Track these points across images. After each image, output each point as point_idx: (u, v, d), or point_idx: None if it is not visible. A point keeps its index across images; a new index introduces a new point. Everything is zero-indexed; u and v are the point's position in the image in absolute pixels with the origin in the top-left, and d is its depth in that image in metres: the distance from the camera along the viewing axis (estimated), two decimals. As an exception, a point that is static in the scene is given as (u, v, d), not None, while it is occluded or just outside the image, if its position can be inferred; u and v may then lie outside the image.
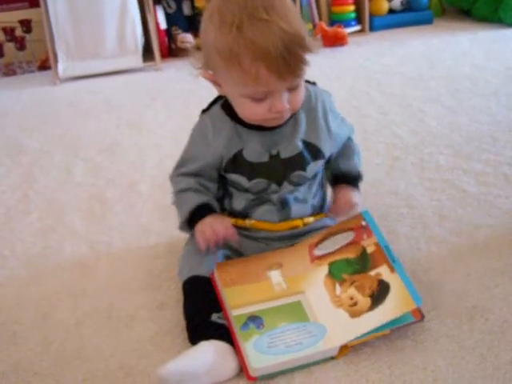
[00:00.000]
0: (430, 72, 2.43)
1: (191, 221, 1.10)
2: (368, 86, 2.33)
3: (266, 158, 1.08)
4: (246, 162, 1.08)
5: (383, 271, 1.00)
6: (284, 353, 0.91)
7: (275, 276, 1.02)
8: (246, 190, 1.11)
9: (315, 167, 1.11)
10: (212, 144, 1.09)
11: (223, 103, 1.10)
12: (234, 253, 1.12)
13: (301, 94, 1.03)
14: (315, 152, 1.10)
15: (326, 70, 2.64)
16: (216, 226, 1.06)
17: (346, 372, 0.91)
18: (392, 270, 1.00)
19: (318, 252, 1.06)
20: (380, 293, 0.98)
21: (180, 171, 1.15)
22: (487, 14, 3.11)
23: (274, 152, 1.08)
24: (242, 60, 0.93)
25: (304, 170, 1.10)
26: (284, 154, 1.08)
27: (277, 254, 1.08)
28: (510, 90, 2.11)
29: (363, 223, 1.07)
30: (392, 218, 1.33)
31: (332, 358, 0.94)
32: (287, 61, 0.93)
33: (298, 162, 1.09)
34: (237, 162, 1.09)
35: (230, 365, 0.92)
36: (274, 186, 1.10)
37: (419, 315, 0.96)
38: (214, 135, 1.09)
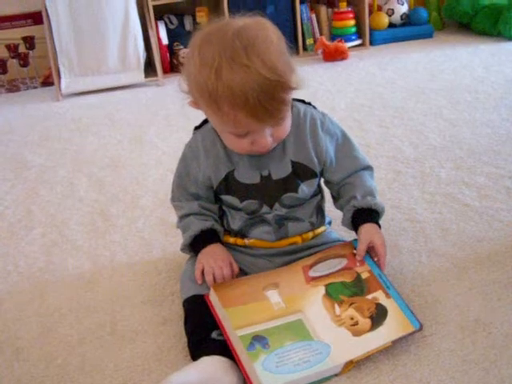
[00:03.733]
0: (430, 85, 2.45)
1: (193, 244, 1.13)
2: (369, 100, 2.35)
3: (257, 180, 1.09)
4: (238, 183, 1.09)
5: (379, 296, 1.02)
6: (293, 371, 0.90)
7: (273, 296, 1.02)
8: (240, 210, 1.12)
9: (307, 188, 1.10)
10: (202, 164, 1.11)
11: None
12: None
13: (285, 127, 1.02)
14: (305, 172, 1.10)
15: (327, 84, 2.66)
16: (217, 269, 1.06)
17: (349, 387, 0.92)
18: (387, 295, 1.01)
19: (313, 274, 1.06)
20: (379, 315, 0.99)
21: (180, 194, 1.17)
22: (487, 27, 3.13)
23: (265, 173, 1.08)
24: (220, 105, 0.92)
25: (295, 191, 1.09)
26: (275, 176, 1.08)
27: (272, 275, 1.07)
28: (511, 102, 2.12)
29: (354, 251, 1.09)
30: (394, 231, 1.33)
31: (335, 375, 0.94)
32: (266, 107, 0.92)
33: (289, 183, 1.09)
34: (229, 183, 1.10)
35: (231, 379, 0.92)
36: (265, 208, 1.10)
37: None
38: (204, 156, 1.10)
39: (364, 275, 1.05)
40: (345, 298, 1.02)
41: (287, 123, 1.02)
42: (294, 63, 0.98)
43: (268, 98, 0.91)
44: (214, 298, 1.01)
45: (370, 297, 1.02)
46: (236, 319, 0.97)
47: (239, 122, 0.94)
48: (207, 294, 1.02)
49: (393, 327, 0.97)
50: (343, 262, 1.08)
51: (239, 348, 0.93)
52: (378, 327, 0.97)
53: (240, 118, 0.93)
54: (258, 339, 0.94)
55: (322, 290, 1.03)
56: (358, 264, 1.07)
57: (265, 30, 0.96)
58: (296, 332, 0.96)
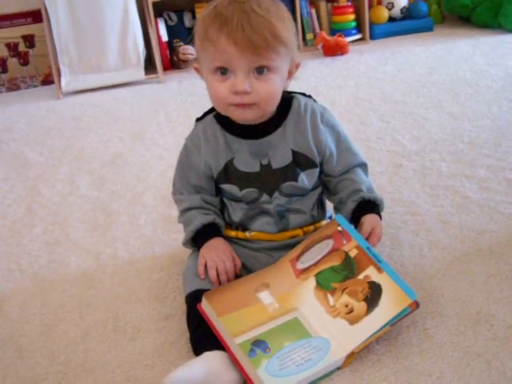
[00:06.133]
0: (431, 79, 2.44)
1: (195, 238, 1.13)
2: (370, 94, 2.34)
3: (257, 168, 1.09)
4: (238, 172, 1.10)
5: (371, 273, 1.00)
6: (297, 372, 0.90)
7: (265, 297, 1.01)
8: (240, 200, 1.12)
9: (307, 178, 1.11)
10: (203, 152, 1.12)
11: (217, 113, 1.11)
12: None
13: (269, 85, 1.01)
14: (305, 161, 1.10)
15: (328, 78, 2.66)
16: (219, 263, 1.07)
17: (352, 380, 0.92)
18: (379, 270, 0.99)
19: (301, 266, 1.05)
20: (373, 295, 0.97)
21: (182, 187, 1.17)
22: (487, 20, 3.12)
23: (265, 162, 1.09)
24: (208, 31, 0.99)
25: (295, 180, 1.10)
26: (275, 165, 1.09)
27: (261, 275, 1.06)
28: (511, 95, 2.12)
29: (339, 228, 1.07)
30: (395, 225, 1.33)
31: (338, 368, 0.94)
32: (248, 35, 0.96)
33: (289, 172, 1.09)
34: (229, 172, 1.11)
35: (233, 375, 0.92)
36: (265, 196, 1.10)
37: (414, 305, 0.96)
38: (204, 145, 1.12)
39: (352, 253, 1.03)
40: (336, 284, 1.01)
41: (270, 84, 1.01)
42: (296, 43, 1.05)
43: (252, 28, 0.96)
44: (207, 308, 0.99)
45: (361, 276, 1.00)
46: (232, 327, 0.95)
47: (219, 44, 0.98)
48: (199, 304, 1.01)
49: (389, 304, 0.95)
50: (330, 244, 1.06)
51: (240, 355, 0.92)
52: (374, 308, 0.96)
53: (221, 39, 0.97)
54: (258, 344, 0.93)
55: (312, 281, 1.02)
56: (344, 242, 1.04)
57: (279, 5, 1.03)
58: (294, 331, 0.96)
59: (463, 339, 0.97)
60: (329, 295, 1.00)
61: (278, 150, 1.09)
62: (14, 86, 3.21)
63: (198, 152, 1.13)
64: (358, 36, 3.25)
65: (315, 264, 1.04)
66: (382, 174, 1.60)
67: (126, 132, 2.27)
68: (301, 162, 1.10)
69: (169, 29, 3.18)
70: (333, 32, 3.25)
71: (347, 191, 1.13)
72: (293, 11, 3.21)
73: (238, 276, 1.10)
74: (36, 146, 2.23)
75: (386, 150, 1.76)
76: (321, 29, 3.31)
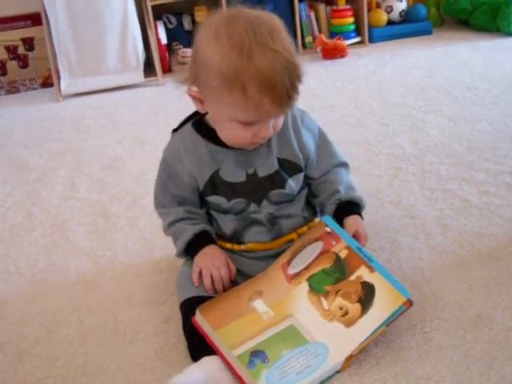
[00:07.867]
0: (430, 82, 2.45)
1: (188, 249, 1.11)
2: (369, 97, 2.34)
3: (243, 178, 1.08)
4: (224, 182, 1.08)
5: (363, 273, 0.99)
6: (297, 380, 0.90)
7: (259, 305, 1.00)
8: (228, 212, 1.11)
9: (294, 183, 1.10)
10: (186, 165, 1.09)
11: (194, 122, 1.10)
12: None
13: (282, 118, 1.04)
14: (291, 167, 1.10)
15: (327, 81, 2.66)
16: (214, 270, 1.06)
17: (351, 384, 0.92)
18: (371, 269, 0.99)
19: (292, 271, 1.04)
20: (367, 295, 0.97)
21: (165, 199, 1.15)
22: (486, 23, 3.12)
23: (251, 171, 1.08)
24: (246, 88, 0.92)
25: (283, 187, 1.09)
26: (261, 173, 1.08)
27: (253, 283, 1.05)
28: (510, 98, 2.12)
29: (327, 229, 1.06)
30: (394, 228, 1.33)
31: (337, 372, 0.94)
32: (289, 93, 0.94)
33: (276, 180, 1.09)
34: (215, 183, 1.09)
35: (232, 379, 0.92)
36: (253, 206, 1.09)
37: (408, 303, 0.96)
38: (187, 157, 1.09)
39: (343, 254, 1.02)
40: (329, 287, 1.00)
41: (283, 116, 1.04)
42: None
43: (290, 84, 0.94)
44: (201, 322, 0.98)
45: (353, 277, 0.99)
46: (229, 339, 0.95)
47: (262, 107, 0.94)
48: (193, 317, 1.00)
49: (383, 304, 0.95)
50: (319, 246, 1.05)
51: (239, 368, 0.92)
52: (368, 309, 0.95)
53: (264, 103, 0.93)
54: (256, 354, 0.93)
55: (305, 286, 1.02)
56: (333, 243, 1.04)
57: (275, 20, 0.99)
58: (291, 339, 0.95)
59: (462, 342, 0.97)
60: (322, 299, 1.00)
61: (264, 158, 1.08)
62: (13, 89, 3.21)
63: (180, 164, 1.10)
64: (357, 39, 3.25)
65: (306, 268, 1.04)
66: (381, 178, 1.60)
67: (125, 135, 2.27)
68: (287, 168, 1.09)
69: (168, 32, 3.18)
70: (332, 35, 3.25)
71: (326, 193, 1.13)
72: (292, 14, 3.22)
73: (233, 282, 1.09)
74: (35, 149, 2.23)
75: (385, 154, 1.76)
76: (320, 32, 3.31)
